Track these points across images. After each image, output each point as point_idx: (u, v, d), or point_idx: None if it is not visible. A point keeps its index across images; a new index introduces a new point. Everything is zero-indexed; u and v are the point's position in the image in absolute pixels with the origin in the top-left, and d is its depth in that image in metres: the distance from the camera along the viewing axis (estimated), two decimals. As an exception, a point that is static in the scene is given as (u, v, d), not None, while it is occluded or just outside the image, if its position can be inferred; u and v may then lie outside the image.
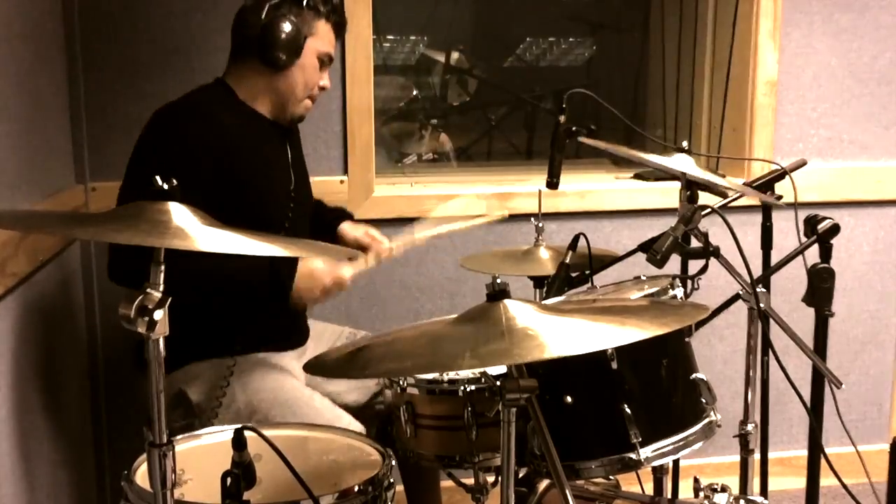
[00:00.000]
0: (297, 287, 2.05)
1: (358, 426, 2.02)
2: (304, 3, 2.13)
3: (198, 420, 2.10)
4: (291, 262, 2.05)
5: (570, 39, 3.93)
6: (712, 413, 1.71)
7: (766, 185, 2.12)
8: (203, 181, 2.00)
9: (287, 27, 2.09)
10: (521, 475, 1.97)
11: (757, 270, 1.91)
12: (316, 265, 2.07)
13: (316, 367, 1.46)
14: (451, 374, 1.85)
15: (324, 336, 2.38)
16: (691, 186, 1.88)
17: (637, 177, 3.05)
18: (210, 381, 2.11)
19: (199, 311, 2.07)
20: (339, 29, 2.24)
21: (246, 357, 2.13)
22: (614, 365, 1.62)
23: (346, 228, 2.39)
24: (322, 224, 2.42)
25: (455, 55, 3.73)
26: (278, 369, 2.15)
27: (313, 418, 1.97)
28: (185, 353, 2.11)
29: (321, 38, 2.17)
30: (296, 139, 2.34)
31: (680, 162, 1.87)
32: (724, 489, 1.76)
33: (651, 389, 1.70)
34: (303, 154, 2.38)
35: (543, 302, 1.81)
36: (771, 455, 2.42)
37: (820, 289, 1.88)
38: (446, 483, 2.21)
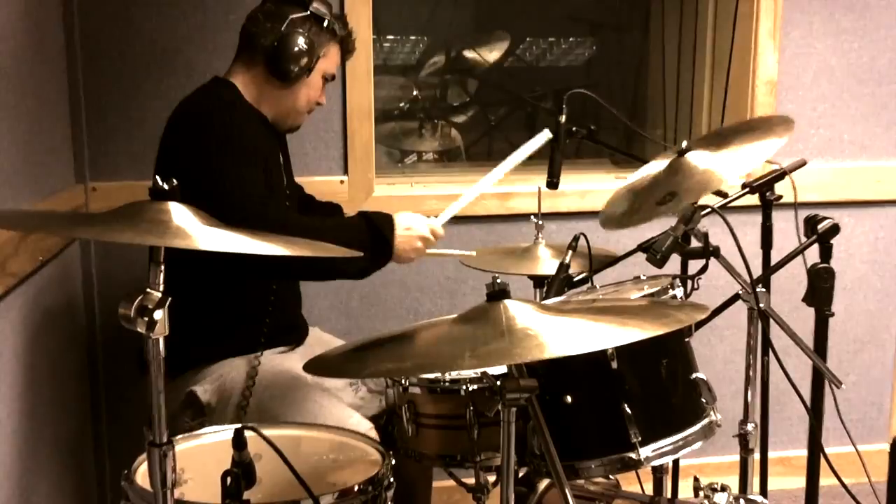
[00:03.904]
0: (397, 247, 2.07)
1: (367, 424, 2.02)
2: (325, 24, 2.13)
3: (208, 420, 2.10)
4: (389, 224, 2.07)
5: (570, 39, 3.93)
6: (712, 413, 1.71)
7: (766, 184, 2.12)
8: (253, 159, 2.06)
9: (304, 45, 2.10)
10: (521, 475, 1.97)
11: (757, 270, 1.91)
12: (410, 218, 2.10)
13: (316, 367, 1.46)
14: (454, 374, 1.85)
15: (326, 345, 2.37)
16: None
17: (637, 177, 3.05)
18: (219, 381, 2.11)
19: (205, 316, 2.10)
20: (348, 53, 2.27)
21: (260, 359, 2.13)
22: (614, 365, 1.63)
23: None
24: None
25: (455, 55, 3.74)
26: (287, 370, 2.15)
27: (324, 418, 1.98)
28: (195, 356, 2.12)
29: (330, 59, 2.20)
30: (284, 141, 2.36)
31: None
32: (723, 489, 1.76)
33: (651, 389, 1.70)
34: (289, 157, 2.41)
35: (543, 302, 1.81)
36: (771, 455, 2.42)
37: (820, 289, 1.88)
38: (447, 482, 2.21)
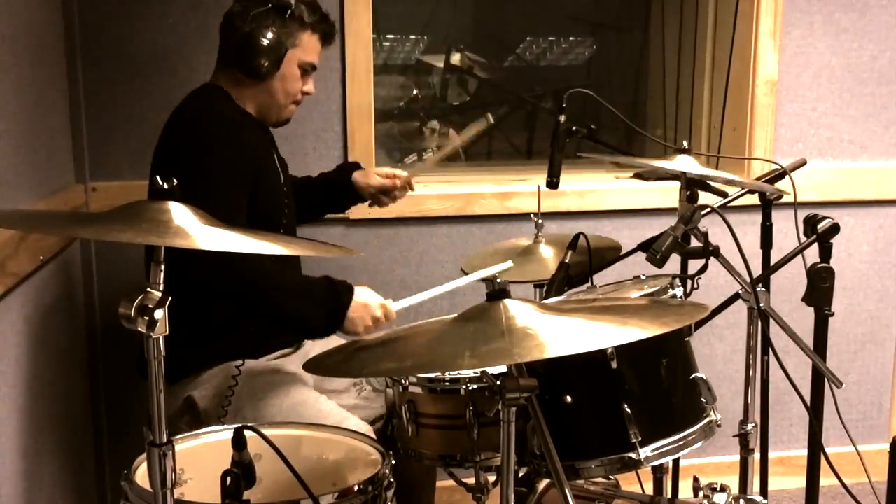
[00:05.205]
0: (349, 316, 2.06)
1: (365, 427, 2.02)
2: (288, 14, 2.10)
3: (205, 426, 2.10)
4: (348, 291, 2.07)
5: (570, 39, 3.93)
6: (712, 412, 1.71)
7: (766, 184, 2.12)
8: (243, 184, 2.07)
9: (267, 39, 2.08)
10: (521, 475, 1.97)
11: (757, 270, 1.91)
12: (369, 298, 2.09)
13: (316, 367, 1.46)
14: (454, 373, 1.85)
15: (328, 344, 2.37)
16: (691, 186, 1.88)
17: (637, 176, 3.05)
18: (216, 386, 2.11)
19: (204, 320, 2.10)
20: (327, 38, 2.23)
21: (252, 363, 2.13)
22: (614, 364, 1.63)
23: (360, 179, 2.43)
24: (330, 187, 2.46)
25: (455, 55, 3.74)
26: (284, 374, 2.15)
27: (321, 421, 1.97)
28: (193, 361, 2.11)
29: (304, 48, 2.16)
30: (272, 138, 2.35)
31: (680, 163, 1.87)
32: (723, 489, 1.76)
33: (651, 389, 1.70)
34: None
35: (543, 301, 1.81)
36: (771, 455, 2.42)
37: (820, 288, 1.88)
38: (447, 482, 2.21)
